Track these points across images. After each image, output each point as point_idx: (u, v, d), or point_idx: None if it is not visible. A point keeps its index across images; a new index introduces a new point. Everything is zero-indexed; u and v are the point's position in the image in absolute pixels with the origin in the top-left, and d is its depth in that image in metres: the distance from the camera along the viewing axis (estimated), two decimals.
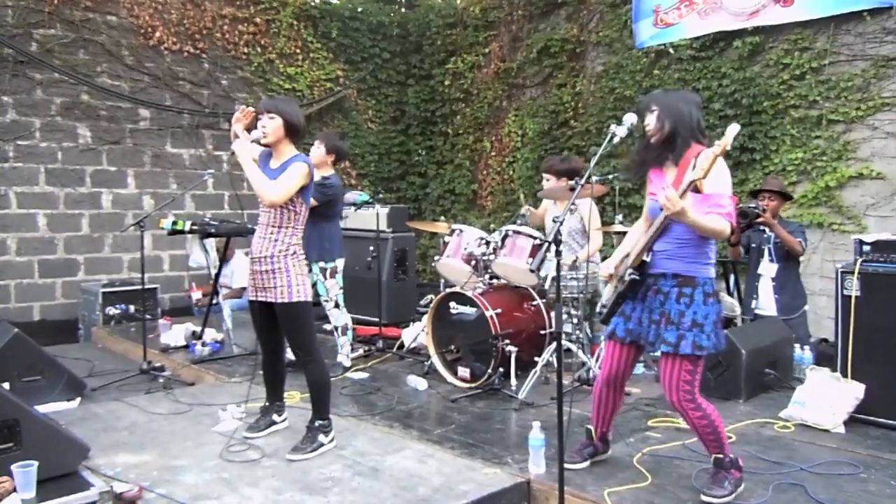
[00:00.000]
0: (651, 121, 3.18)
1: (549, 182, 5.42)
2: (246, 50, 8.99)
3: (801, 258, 5.41)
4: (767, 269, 5.32)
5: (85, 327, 7.45)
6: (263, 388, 4.18)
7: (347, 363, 5.45)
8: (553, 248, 2.94)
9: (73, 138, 7.81)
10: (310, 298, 3.78)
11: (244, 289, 5.96)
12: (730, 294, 6.33)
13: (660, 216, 3.04)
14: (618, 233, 5.40)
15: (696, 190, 2.95)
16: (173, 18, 8.41)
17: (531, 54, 9.07)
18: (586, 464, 3.50)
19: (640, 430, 4.06)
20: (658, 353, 3.24)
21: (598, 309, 3.46)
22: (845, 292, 4.16)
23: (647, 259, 3.14)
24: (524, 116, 9.27)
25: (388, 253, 7.37)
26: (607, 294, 3.40)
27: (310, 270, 4.74)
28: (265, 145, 3.81)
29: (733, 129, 2.83)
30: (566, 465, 3.32)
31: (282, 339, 4.03)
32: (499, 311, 4.84)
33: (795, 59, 6.70)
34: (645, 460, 3.58)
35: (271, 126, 3.72)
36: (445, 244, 5.47)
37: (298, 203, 3.74)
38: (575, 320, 5.09)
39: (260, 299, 3.79)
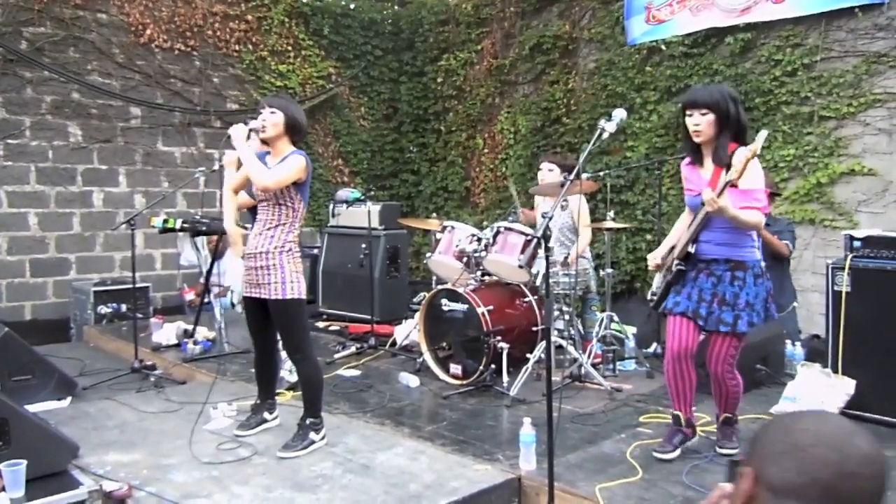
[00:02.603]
0: (701, 123, 3.30)
1: (552, 172, 5.41)
2: (237, 47, 8.96)
3: (793, 255, 5.42)
4: None
5: (76, 326, 7.42)
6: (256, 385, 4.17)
7: (292, 378, 4.81)
8: (542, 243, 2.94)
9: (63, 137, 7.77)
10: (304, 296, 3.76)
11: None
12: None
13: (701, 211, 3.30)
14: (609, 229, 5.40)
15: (733, 185, 3.15)
16: (164, 16, 8.37)
17: (523, 51, 9.06)
18: (677, 453, 3.55)
19: (631, 426, 4.06)
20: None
21: (648, 297, 3.72)
22: (836, 288, 4.17)
23: (692, 250, 3.38)
24: (517, 113, 9.26)
25: (381, 250, 7.36)
26: (657, 282, 3.64)
27: None
28: (263, 141, 3.79)
29: (762, 135, 3.13)
30: (656, 455, 3.52)
31: (275, 337, 4.02)
32: (490, 307, 4.84)
33: (787, 55, 6.70)
34: (636, 455, 3.58)
35: (271, 120, 3.69)
36: (437, 241, 5.46)
37: (297, 199, 3.73)
38: (567, 317, 5.09)
39: (254, 295, 3.78)
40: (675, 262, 3.46)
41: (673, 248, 3.56)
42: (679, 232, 3.62)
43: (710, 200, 3.11)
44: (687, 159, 3.53)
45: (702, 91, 3.36)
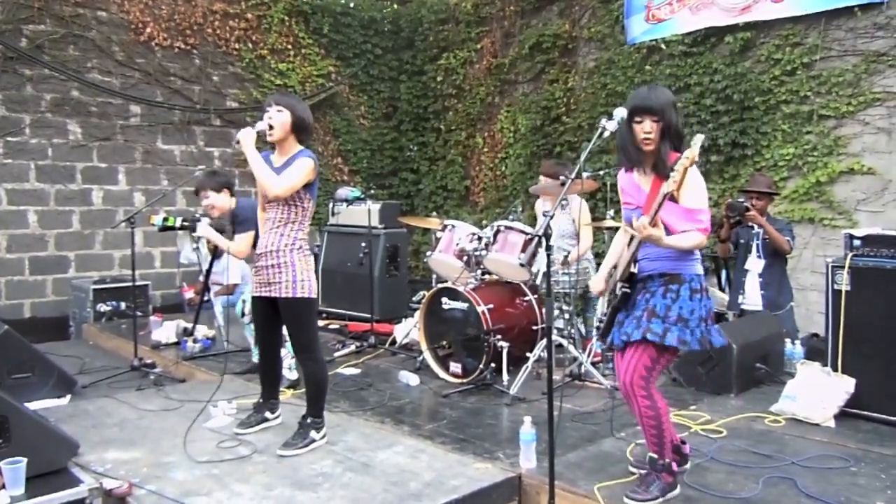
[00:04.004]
0: (653, 131, 3.00)
1: (540, 182, 5.46)
2: (237, 46, 8.96)
3: (792, 254, 5.43)
4: (755, 264, 5.34)
5: (76, 324, 7.42)
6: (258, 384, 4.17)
7: (292, 376, 4.95)
8: (543, 241, 2.94)
9: (63, 135, 7.77)
10: (314, 295, 3.75)
11: (236, 285, 5.93)
12: (721, 290, 6.34)
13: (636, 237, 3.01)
14: (609, 228, 5.41)
15: (674, 199, 2.92)
16: (164, 14, 8.37)
17: (523, 50, 9.06)
18: (658, 501, 3.16)
19: (631, 425, 4.05)
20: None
21: (595, 324, 3.41)
22: (835, 287, 4.17)
23: (635, 270, 3.11)
24: (516, 112, 9.26)
25: (380, 249, 7.37)
26: (602, 308, 3.36)
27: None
28: (270, 142, 3.77)
29: (699, 138, 2.81)
30: (626, 501, 3.10)
31: (280, 337, 4.01)
32: (490, 306, 4.84)
33: (787, 54, 6.71)
34: (636, 454, 3.58)
35: (278, 119, 3.66)
36: (437, 240, 5.46)
37: (306, 199, 3.73)
38: (567, 315, 5.09)
39: (264, 295, 3.76)
40: (619, 284, 3.14)
41: (614, 268, 3.26)
42: (618, 249, 3.32)
43: (638, 227, 2.82)
44: (623, 169, 3.22)
45: (653, 96, 3.03)
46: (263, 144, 3.78)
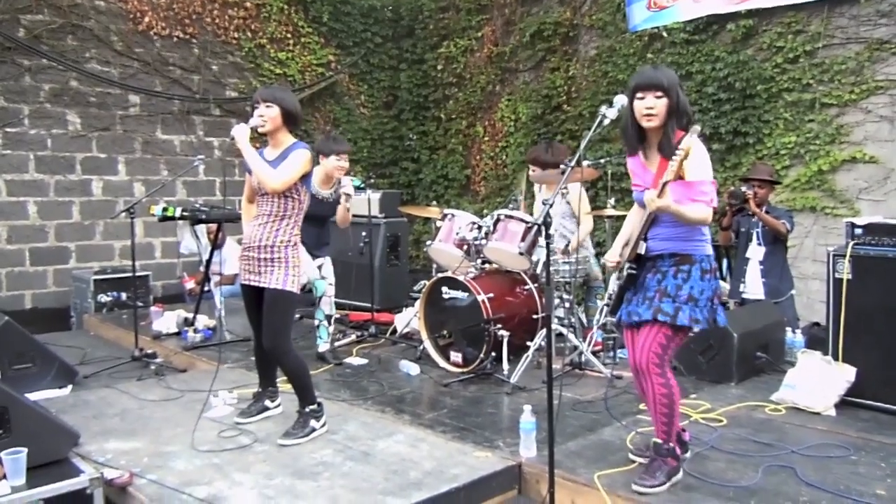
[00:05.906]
0: (655, 106, 2.98)
1: (535, 172, 5.43)
2: (236, 35, 8.93)
3: (793, 243, 5.42)
4: (755, 252, 5.33)
5: (77, 315, 7.42)
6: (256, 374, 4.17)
7: (324, 347, 5.38)
8: (543, 230, 2.93)
9: (62, 125, 7.76)
10: (298, 290, 3.76)
11: (236, 275, 5.93)
12: (722, 278, 6.33)
13: (646, 211, 3.04)
14: (609, 217, 5.39)
15: (679, 176, 2.92)
16: (162, 3, 8.34)
17: (524, 38, 9.02)
18: (664, 487, 3.14)
19: (631, 413, 4.06)
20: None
21: (605, 301, 3.38)
22: (837, 275, 4.15)
23: (643, 252, 3.11)
24: (517, 101, 9.23)
25: (381, 238, 7.36)
26: (614, 286, 3.37)
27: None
28: (262, 134, 3.76)
29: (695, 129, 2.82)
30: (635, 487, 3.08)
31: None
32: (491, 295, 4.83)
33: (789, 42, 6.68)
34: (636, 443, 3.58)
35: (269, 115, 3.67)
36: (438, 229, 5.45)
37: (302, 191, 3.72)
38: (567, 304, 5.08)
39: (252, 283, 3.76)
40: (627, 264, 3.17)
41: (627, 244, 3.28)
42: (630, 227, 3.36)
43: (649, 201, 2.85)
44: (631, 152, 3.21)
45: (657, 73, 3.02)
46: (257, 139, 3.77)
